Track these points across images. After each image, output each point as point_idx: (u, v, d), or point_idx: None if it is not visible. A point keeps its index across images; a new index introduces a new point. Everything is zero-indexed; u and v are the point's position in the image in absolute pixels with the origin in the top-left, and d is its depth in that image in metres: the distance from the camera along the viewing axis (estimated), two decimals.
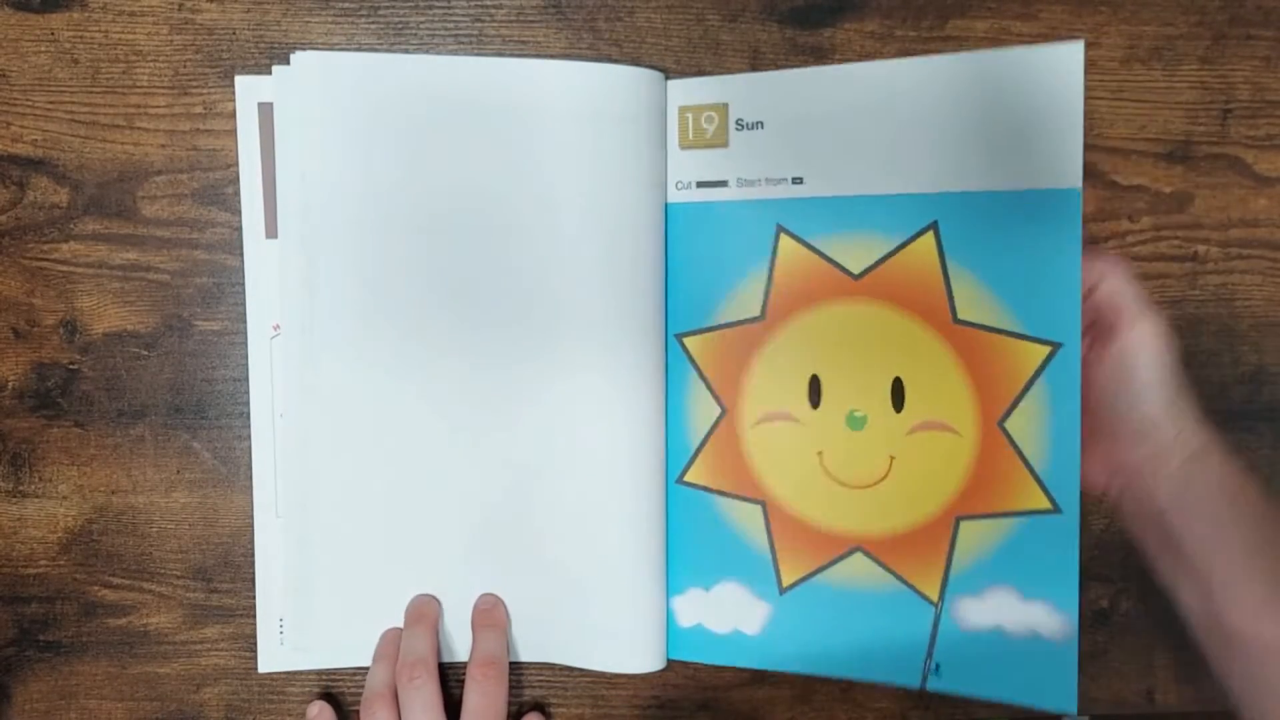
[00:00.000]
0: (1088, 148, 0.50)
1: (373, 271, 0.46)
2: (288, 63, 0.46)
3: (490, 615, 0.46)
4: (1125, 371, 0.42)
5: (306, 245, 0.46)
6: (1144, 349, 0.42)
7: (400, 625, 0.47)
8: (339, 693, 0.49)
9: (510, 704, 0.49)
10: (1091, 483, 0.45)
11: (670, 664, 0.49)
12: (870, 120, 0.46)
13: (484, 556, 0.47)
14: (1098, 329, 0.44)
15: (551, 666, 0.49)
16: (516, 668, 0.49)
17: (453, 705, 0.45)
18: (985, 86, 0.44)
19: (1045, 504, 0.44)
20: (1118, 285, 0.43)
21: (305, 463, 0.46)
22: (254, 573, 0.48)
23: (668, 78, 0.47)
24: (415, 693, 0.43)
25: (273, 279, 0.47)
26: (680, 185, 0.47)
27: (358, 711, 0.45)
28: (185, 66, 0.46)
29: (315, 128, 0.45)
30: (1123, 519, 0.44)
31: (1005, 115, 0.44)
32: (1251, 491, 0.41)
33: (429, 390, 0.46)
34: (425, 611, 0.46)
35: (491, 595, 0.47)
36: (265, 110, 0.46)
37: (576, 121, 0.46)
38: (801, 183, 0.47)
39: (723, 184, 0.47)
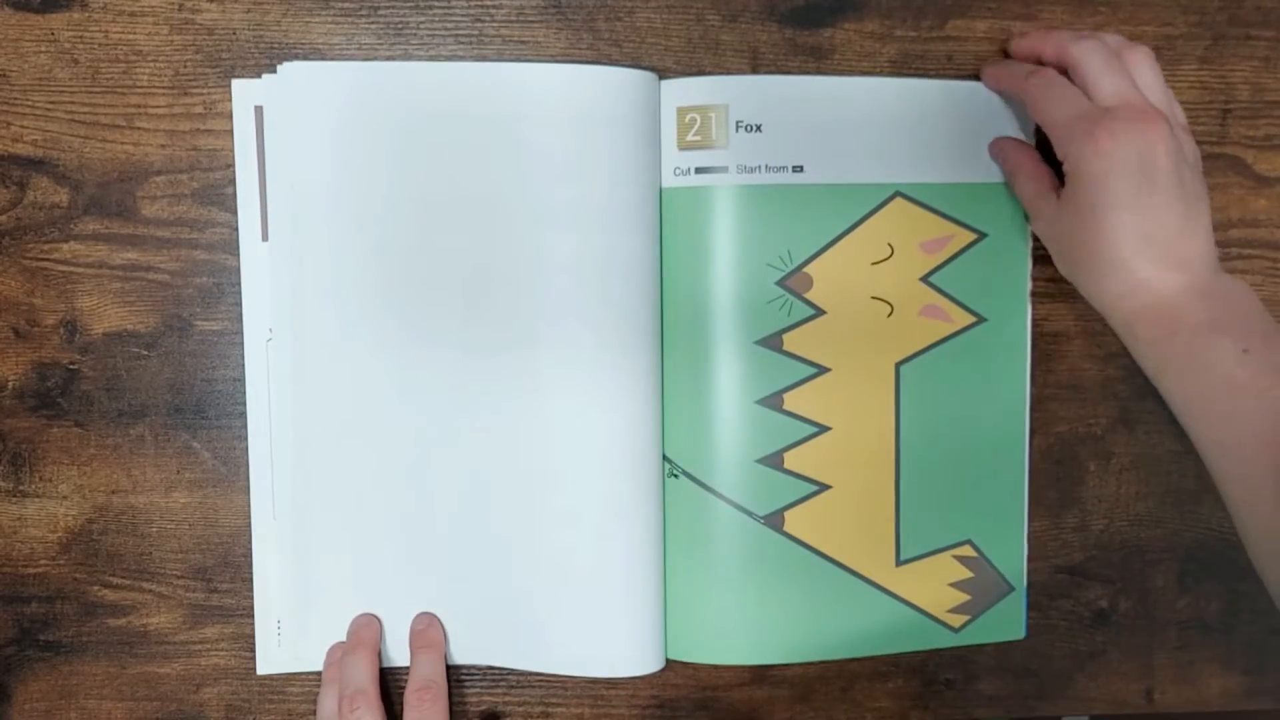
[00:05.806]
0: None
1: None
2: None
3: (425, 636, 0.46)
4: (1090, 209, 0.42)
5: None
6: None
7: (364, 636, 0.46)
8: None
9: (500, 708, 0.49)
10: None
11: (670, 664, 0.49)
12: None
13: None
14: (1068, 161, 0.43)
15: None
16: (514, 669, 0.49)
17: None
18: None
19: None
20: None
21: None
22: (253, 573, 0.48)
23: (665, 77, 0.47)
24: None
25: (268, 282, 0.47)
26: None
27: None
28: (185, 67, 0.46)
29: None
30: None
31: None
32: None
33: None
34: (364, 636, 0.46)
35: (426, 615, 0.47)
36: (261, 114, 0.46)
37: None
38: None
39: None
